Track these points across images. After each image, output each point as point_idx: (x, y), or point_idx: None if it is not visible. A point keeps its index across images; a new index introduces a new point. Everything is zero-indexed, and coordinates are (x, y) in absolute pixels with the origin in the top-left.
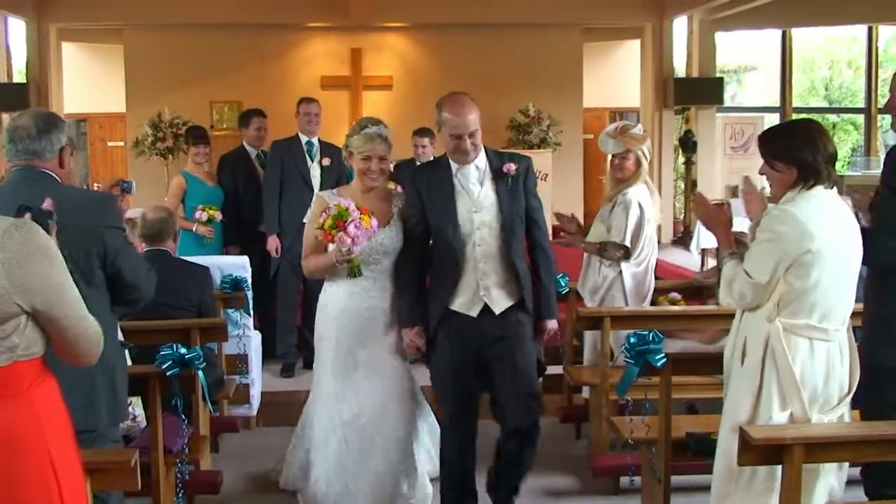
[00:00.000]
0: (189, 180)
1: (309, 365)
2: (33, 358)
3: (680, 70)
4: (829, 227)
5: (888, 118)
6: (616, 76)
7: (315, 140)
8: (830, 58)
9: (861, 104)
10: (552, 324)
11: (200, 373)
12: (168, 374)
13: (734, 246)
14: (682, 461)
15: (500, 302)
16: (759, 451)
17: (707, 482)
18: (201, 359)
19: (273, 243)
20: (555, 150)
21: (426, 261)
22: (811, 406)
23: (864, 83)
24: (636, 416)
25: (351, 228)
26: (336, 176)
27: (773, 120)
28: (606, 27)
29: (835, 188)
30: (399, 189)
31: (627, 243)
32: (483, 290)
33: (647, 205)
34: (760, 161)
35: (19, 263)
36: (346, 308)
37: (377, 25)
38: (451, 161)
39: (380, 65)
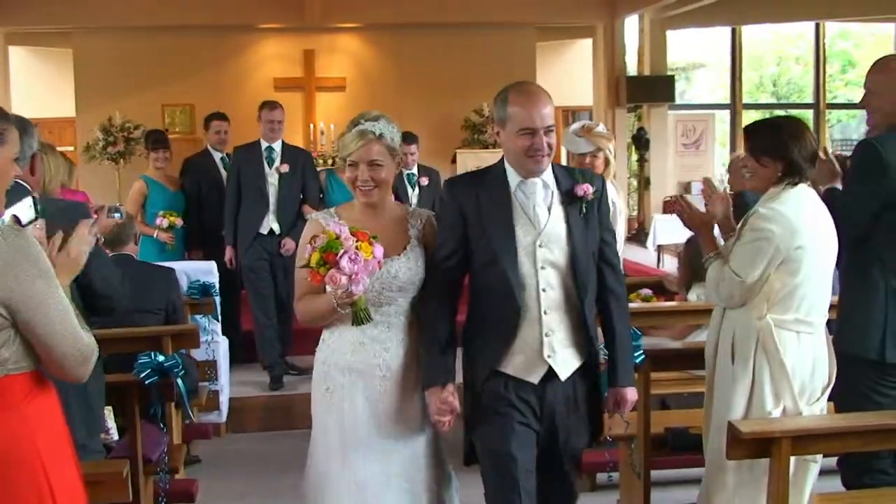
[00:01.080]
0: (150, 185)
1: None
2: (25, 371)
3: (631, 68)
4: (812, 222)
5: (836, 113)
6: (569, 75)
7: (276, 145)
8: (778, 54)
9: (809, 100)
10: (631, 393)
11: (179, 380)
12: (147, 382)
13: (718, 246)
14: (660, 456)
15: (568, 363)
16: (748, 444)
17: (686, 476)
18: (180, 366)
19: (228, 254)
20: None
21: (456, 302)
22: (800, 398)
23: (812, 79)
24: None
25: (344, 263)
26: (299, 184)
27: (723, 117)
28: (559, 26)
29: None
30: (414, 206)
31: None
32: (548, 348)
33: (617, 202)
34: (712, 157)
35: (2, 272)
36: (354, 367)
37: (330, 26)
38: (508, 171)
39: (333, 66)
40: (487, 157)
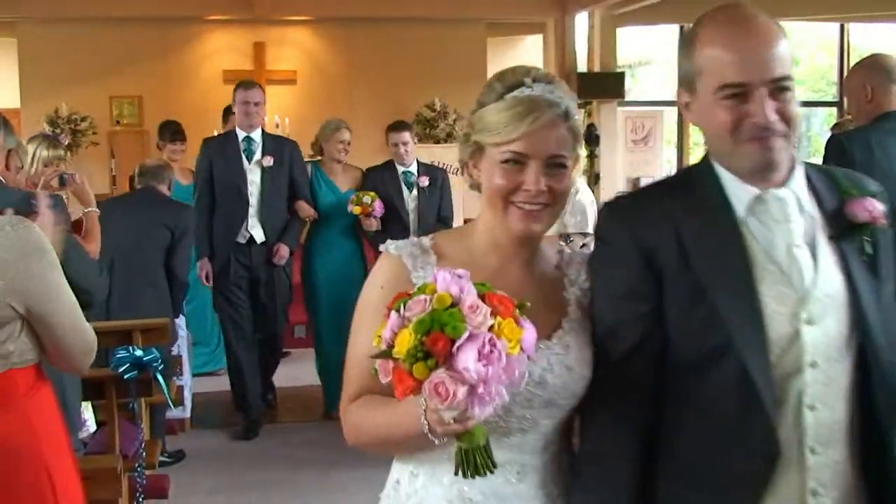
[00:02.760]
0: None
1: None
2: (28, 365)
3: (581, 65)
4: None
5: None
6: None
7: (256, 135)
8: None
9: None
10: None
11: (158, 375)
12: (126, 377)
13: None
14: None
15: None
16: None
17: None
18: (159, 361)
19: (204, 268)
20: None
21: (648, 429)
22: None
23: None
24: None
25: (469, 361)
26: (286, 180)
27: (672, 114)
28: (509, 22)
29: None
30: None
31: (591, 230)
32: None
33: (588, 197)
34: (660, 154)
35: (15, 264)
36: None
37: (280, 19)
38: (724, 179)
39: (283, 59)
40: (439, 153)
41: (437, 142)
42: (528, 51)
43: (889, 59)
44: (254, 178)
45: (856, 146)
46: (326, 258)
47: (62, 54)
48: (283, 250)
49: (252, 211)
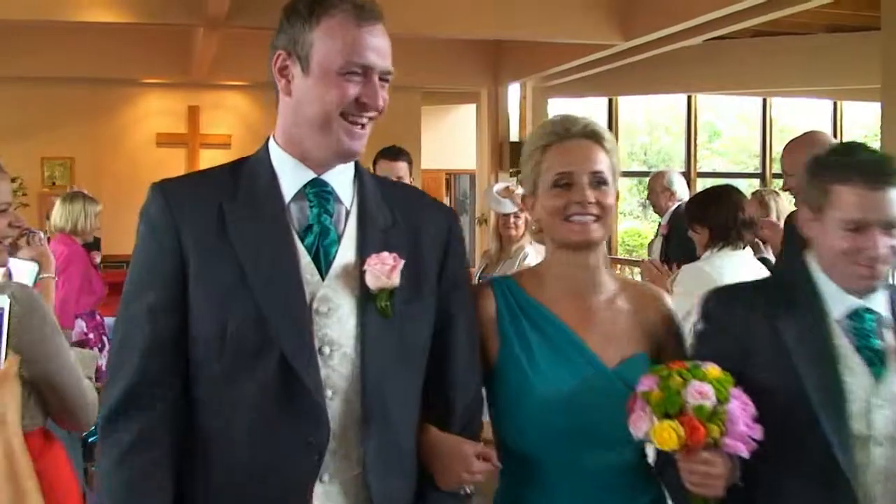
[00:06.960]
0: None
1: None
2: (36, 428)
3: (514, 134)
4: (739, 279)
5: (703, 181)
6: (452, 139)
7: (340, 177)
8: (649, 125)
9: (681, 168)
10: None
11: None
12: (89, 441)
13: None
14: None
15: None
16: None
17: None
18: None
19: None
20: None
21: None
22: None
23: (682, 148)
24: None
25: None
26: (427, 332)
27: None
28: (444, 91)
29: (748, 248)
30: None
31: None
32: None
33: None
34: None
35: (26, 331)
36: None
37: (216, 83)
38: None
39: (218, 123)
40: None
41: None
42: (462, 119)
43: (829, 138)
44: (323, 291)
45: None
46: None
47: None
48: None
49: (333, 446)
